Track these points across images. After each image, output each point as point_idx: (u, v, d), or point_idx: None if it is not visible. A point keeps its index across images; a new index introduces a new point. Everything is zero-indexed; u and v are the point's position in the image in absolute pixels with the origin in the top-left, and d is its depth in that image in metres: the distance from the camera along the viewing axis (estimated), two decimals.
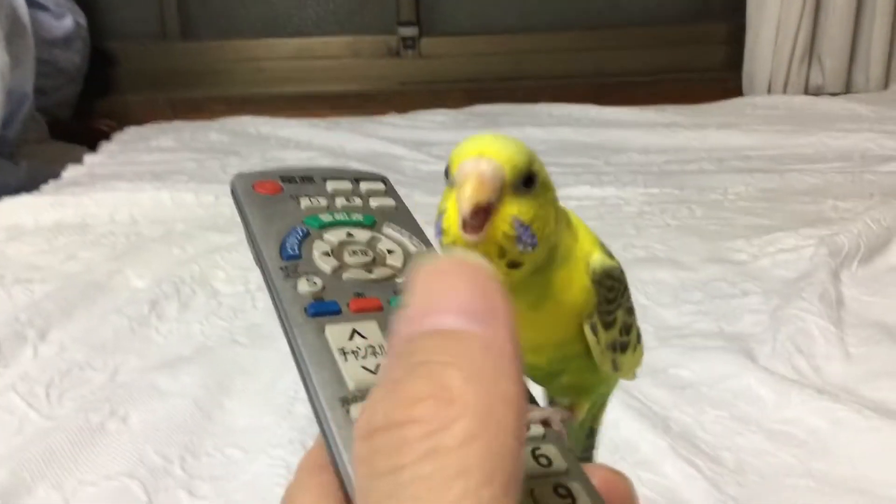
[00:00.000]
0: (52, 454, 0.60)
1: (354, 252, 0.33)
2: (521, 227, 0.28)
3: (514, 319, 0.20)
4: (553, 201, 0.29)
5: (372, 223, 0.35)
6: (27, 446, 0.61)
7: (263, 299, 0.87)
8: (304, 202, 0.35)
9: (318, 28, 1.95)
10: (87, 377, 0.73)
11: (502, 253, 0.28)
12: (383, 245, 0.34)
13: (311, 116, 1.65)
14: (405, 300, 0.21)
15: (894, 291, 0.86)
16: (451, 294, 0.20)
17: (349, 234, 0.34)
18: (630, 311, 0.34)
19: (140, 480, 0.59)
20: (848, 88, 1.84)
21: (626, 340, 0.33)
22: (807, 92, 1.83)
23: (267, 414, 0.67)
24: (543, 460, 0.28)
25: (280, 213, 0.34)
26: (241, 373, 0.73)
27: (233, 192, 0.36)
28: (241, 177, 0.36)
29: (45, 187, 1.24)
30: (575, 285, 0.30)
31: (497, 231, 0.28)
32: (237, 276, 0.91)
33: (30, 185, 1.27)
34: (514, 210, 0.27)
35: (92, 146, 1.51)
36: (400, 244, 0.35)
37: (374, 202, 0.37)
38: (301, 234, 0.33)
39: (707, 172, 1.30)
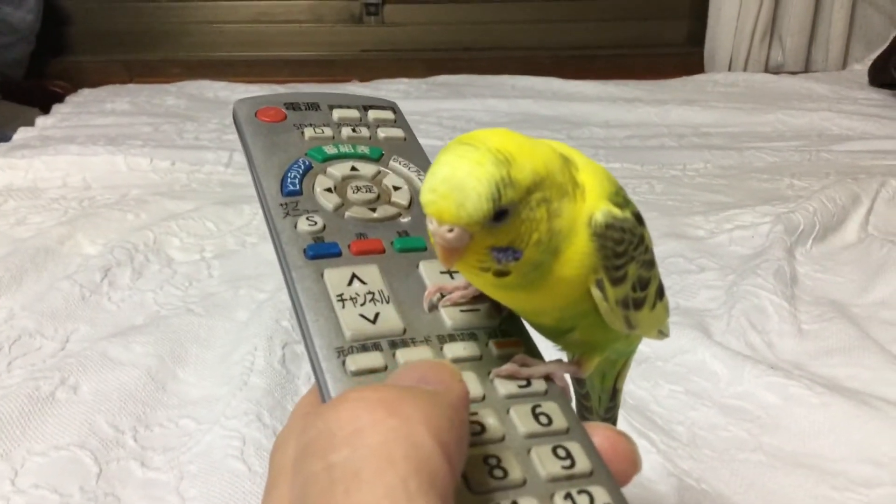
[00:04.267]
0: (1, 423, 0.59)
1: (358, 188, 0.32)
2: (497, 253, 0.26)
3: (467, 392, 0.24)
4: (546, 199, 0.27)
5: (378, 156, 0.34)
6: None
7: (219, 268, 0.86)
8: (308, 132, 0.34)
9: None
10: (37, 345, 0.71)
11: (485, 269, 0.27)
12: (389, 181, 0.33)
13: (271, 82, 1.62)
14: None
15: (847, 269, 0.87)
16: (411, 372, 0.25)
17: (354, 168, 0.33)
18: (648, 264, 0.31)
19: (91, 451, 0.58)
20: (807, 67, 1.86)
21: (640, 297, 0.31)
22: (767, 70, 1.84)
23: (222, 384, 0.66)
24: (543, 419, 0.27)
25: (282, 144, 0.33)
26: (195, 343, 0.72)
27: (234, 119, 0.34)
28: (243, 102, 0.35)
29: None
30: (576, 255, 0.28)
31: (470, 260, 0.27)
32: (192, 244, 0.90)
33: None
34: (487, 242, 0.26)
35: (44, 108, 1.47)
36: (407, 180, 0.33)
37: (382, 132, 0.35)
38: (303, 167, 0.32)
39: (667, 148, 1.30)
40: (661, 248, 0.91)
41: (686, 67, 1.80)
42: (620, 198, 0.29)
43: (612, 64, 1.85)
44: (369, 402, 0.21)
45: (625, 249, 0.29)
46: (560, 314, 0.30)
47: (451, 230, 0.25)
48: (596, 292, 0.29)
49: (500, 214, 0.25)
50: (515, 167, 0.26)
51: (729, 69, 1.83)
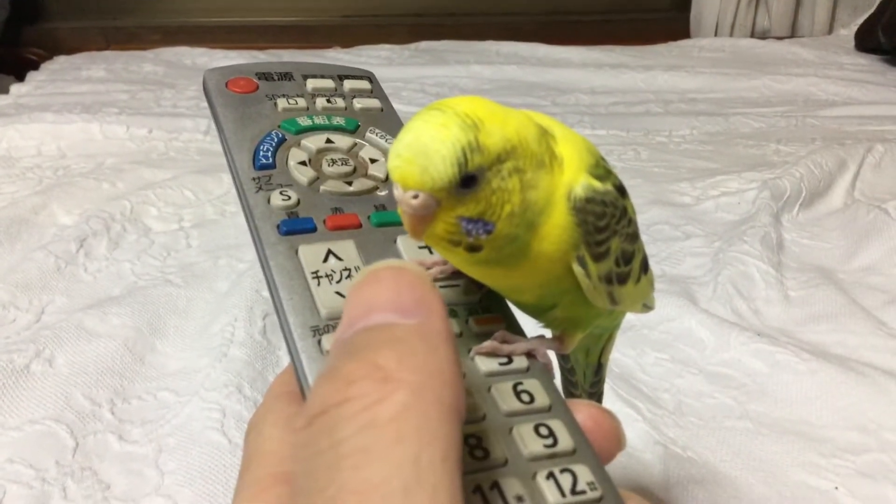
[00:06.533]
0: None
1: (334, 161, 0.31)
2: (466, 223, 0.25)
3: (445, 309, 0.22)
4: (519, 169, 0.25)
5: (355, 127, 0.33)
6: None
7: (198, 237, 0.84)
8: (282, 103, 0.33)
9: None
10: (11, 317, 0.69)
11: (456, 242, 0.26)
12: (365, 153, 0.32)
13: (251, 48, 1.60)
14: (344, 311, 0.22)
15: (834, 235, 0.87)
16: (381, 296, 0.21)
17: (329, 141, 0.32)
18: (631, 237, 0.30)
19: (67, 425, 0.57)
20: (793, 32, 1.85)
21: (624, 271, 0.30)
22: (753, 35, 1.83)
23: (201, 356, 0.65)
24: (525, 396, 0.26)
25: (254, 115, 0.32)
26: (174, 314, 0.70)
27: (205, 90, 0.33)
28: (213, 72, 0.34)
29: None
30: (555, 230, 0.27)
31: (439, 230, 0.25)
32: (170, 213, 0.88)
33: None
34: (456, 211, 0.25)
35: (19, 76, 1.44)
36: (384, 152, 0.33)
37: (358, 103, 0.34)
38: (276, 139, 0.31)
39: (653, 115, 1.29)
40: (647, 216, 0.90)
41: (672, 33, 1.79)
42: (601, 169, 0.28)
43: (598, 29, 1.83)
44: (375, 381, 0.20)
45: (607, 224, 0.28)
46: (540, 291, 0.29)
47: (415, 196, 0.24)
48: (577, 269, 0.28)
49: (467, 181, 0.25)
50: (484, 132, 0.25)
51: (715, 34, 1.82)
